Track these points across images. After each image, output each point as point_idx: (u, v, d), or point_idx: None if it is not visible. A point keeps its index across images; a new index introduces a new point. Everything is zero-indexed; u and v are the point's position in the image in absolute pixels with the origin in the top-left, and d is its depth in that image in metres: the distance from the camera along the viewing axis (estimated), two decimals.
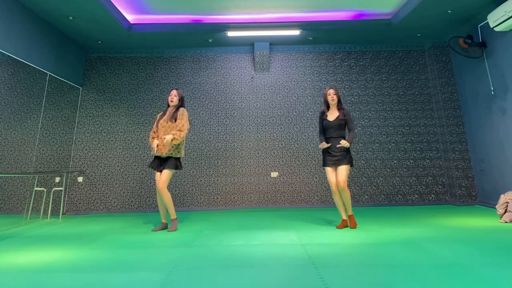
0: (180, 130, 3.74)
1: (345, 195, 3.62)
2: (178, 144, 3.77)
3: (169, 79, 6.09)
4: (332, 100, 3.82)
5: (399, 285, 1.88)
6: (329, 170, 3.74)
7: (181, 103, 3.96)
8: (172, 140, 3.68)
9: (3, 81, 4.43)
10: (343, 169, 3.63)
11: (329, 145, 3.71)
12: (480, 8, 4.88)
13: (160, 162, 3.79)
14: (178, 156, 3.79)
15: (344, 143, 3.63)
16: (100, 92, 5.99)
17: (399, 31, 5.66)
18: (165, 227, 3.82)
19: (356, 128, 3.87)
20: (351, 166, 3.70)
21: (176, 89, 3.99)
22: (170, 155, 3.73)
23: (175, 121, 3.80)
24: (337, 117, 3.75)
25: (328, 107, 3.90)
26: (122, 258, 2.63)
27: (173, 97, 3.91)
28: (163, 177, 3.69)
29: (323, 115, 3.88)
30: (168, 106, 3.95)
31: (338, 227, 3.66)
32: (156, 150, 3.74)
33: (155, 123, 3.94)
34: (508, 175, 4.68)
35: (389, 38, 6.00)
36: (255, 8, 5.26)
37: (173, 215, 3.80)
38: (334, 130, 3.74)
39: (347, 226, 3.68)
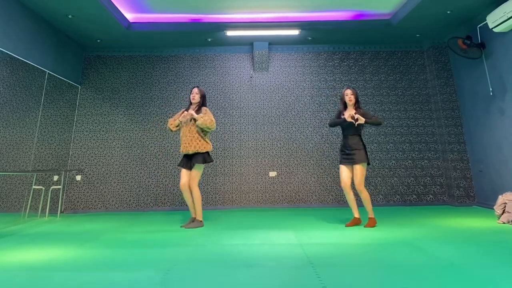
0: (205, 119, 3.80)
1: (362, 197, 3.64)
2: (204, 136, 3.85)
3: (168, 78, 6.09)
4: (349, 100, 3.81)
5: (396, 284, 1.89)
6: (342, 168, 3.74)
7: (202, 101, 4.01)
8: (199, 119, 3.75)
9: (2, 79, 4.42)
10: (358, 170, 3.60)
11: (354, 113, 3.66)
12: (479, 9, 4.89)
13: (188, 160, 3.85)
14: (205, 150, 3.83)
15: (359, 118, 3.60)
16: (98, 90, 5.99)
17: (398, 32, 5.67)
18: (194, 220, 3.90)
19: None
20: (367, 164, 3.70)
21: (197, 87, 4.07)
22: (196, 152, 3.78)
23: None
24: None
25: (345, 107, 3.88)
26: (120, 256, 2.63)
27: (195, 95, 3.97)
28: (193, 175, 3.79)
29: (340, 114, 3.86)
30: (190, 104, 4.00)
31: (348, 225, 3.69)
32: (183, 150, 3.80)
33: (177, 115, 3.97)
34: (506, 175, 4.69)
35: (388, 39, 6.00)
36: (255, 7, 5.26)
37: (200, 216, 3.86)
38: (350, 129, 3.74)
39: (358, 224, 3.72)
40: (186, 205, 5.47)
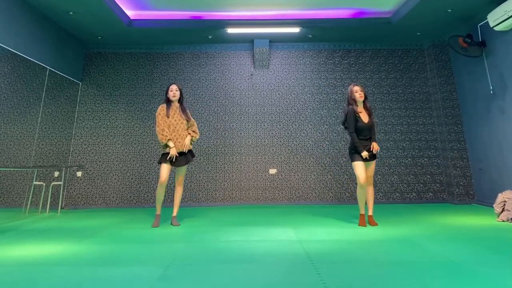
0: (195, 132, 3.95)
1: (372, 192, 3.67)
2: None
3: (168, 75, 6.09)
4: (360, 97, 3.70)
5: (395, 281, 1.90)
6: (361, 164, 3.59)
7: (181, 97, 3.99)
8: (191, 141, 3.93)
9: (3, 75, 4.43)
10: (374, 165, 3.72)
11: (367, 154, 3.62)
12: (480, 8, 4.88)
13: (176, 157, 3.79)
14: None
15: (376, 148, 3.64)
16: (99, 87, 5.99)
17: (398, 30, 5.66)
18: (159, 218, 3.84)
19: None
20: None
21: (175, 83, 3.96)
22: (188, 150, 3.91)
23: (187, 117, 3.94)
24: (369, 120, 3.69)
25: (353, 103, 3.75)
26: (120, 252, 2.65)
27: (175, 92, 3.89)
28: (184, 172, 3.92)
29: (355, 113, 3.66)
30: (168, 101, 3.90)
31: (361, 224, 3.60)
32: (177, 148, 3.78)
33: (161, 121, 3.78)
34: (505, 174, 4.70)
35: (388, 37, 5.99)
36: (255, 5, 5.25)
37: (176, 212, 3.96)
38: (367, 132, 3.67)
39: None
40: (185, 202, 5.50)
